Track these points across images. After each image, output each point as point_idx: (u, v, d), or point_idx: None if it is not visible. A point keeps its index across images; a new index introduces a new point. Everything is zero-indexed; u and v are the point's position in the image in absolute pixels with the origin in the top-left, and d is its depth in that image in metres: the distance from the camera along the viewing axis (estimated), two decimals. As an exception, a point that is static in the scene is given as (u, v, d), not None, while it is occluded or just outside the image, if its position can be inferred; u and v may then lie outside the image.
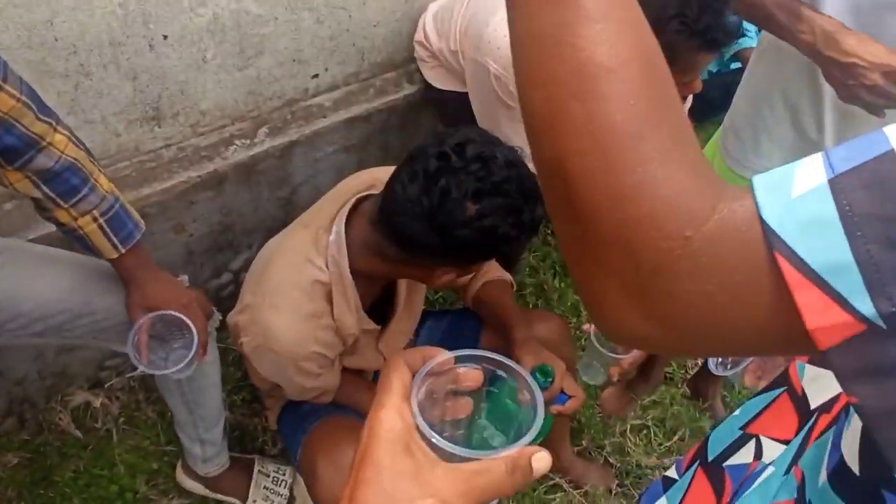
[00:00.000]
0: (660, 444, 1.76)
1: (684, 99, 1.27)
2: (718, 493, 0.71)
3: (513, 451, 0.38)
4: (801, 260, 0.28)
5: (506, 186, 0.89)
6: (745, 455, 0.69)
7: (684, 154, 0.32)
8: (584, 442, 1.72)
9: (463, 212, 0.89)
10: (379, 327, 1.16)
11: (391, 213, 0.95)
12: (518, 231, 0.91)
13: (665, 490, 0.81)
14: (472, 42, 1.27)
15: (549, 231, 2.20)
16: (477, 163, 0.89)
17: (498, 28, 1.22)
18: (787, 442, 0.64)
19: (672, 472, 0.84)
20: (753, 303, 0.30)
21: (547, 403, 1.15)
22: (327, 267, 1.04)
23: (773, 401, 0.67)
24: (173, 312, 1.03)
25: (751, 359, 0.94)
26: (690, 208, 0.30)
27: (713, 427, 0.77)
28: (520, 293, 1.99)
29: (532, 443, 0.43)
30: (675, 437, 1.77)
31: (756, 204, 0.30)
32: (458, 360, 0.43)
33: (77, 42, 1.20)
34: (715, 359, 1.03)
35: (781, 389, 0.65)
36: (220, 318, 1.19)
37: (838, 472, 0.43)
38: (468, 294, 1.36)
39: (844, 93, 1.05)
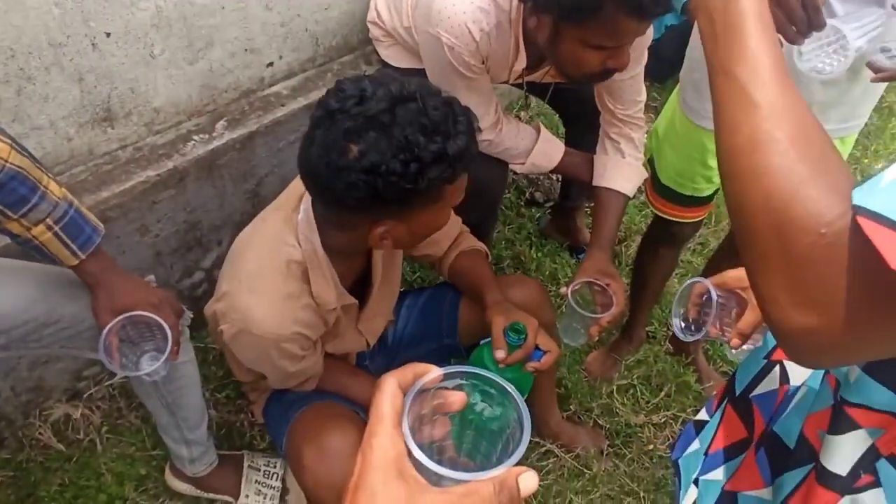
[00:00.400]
0: (647, 402, 1.78)
1: (611, 73, 1.21)
2: (748, 424, 0.73)
3: (500, 471, 0.39)
4: (876, 213, 0.38)
5: (383, 119, 0.83)
6: (770, 383, 0.71)
7: (828, 178, 0.44)
8: (572, 407, 1.73)
9: (345, 154, 0.85)
10: (357, 301, 1.15)
11: (303, 175, 0.94)
12: (418, 165, 0.84)
13: (697, 433, 0.83)
14: (424, 15, 1.25)
15: (522, 203, 2.21)
16: (353, 100, 0.85)
17: None
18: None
19: (703, 415, 0.85)
20: (860, 270, 0.40)
21: (522, 361, 1.16)
22: (300, 245, 1.03)
23: None
24: (143, 313, 1.02)
25: (709, 325, 0.95)
26: (825, 214, 0.42)
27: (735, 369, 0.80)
28: (497, 265, 1.99)
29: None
30: (662, 394, 1.80)
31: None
32: (447, 376, 0.45)
33: (14, 45, 1.16)
34: (680, 322, 1.03)
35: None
36: (192, 316, 1.17)
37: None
38: (444, 266, 1.36)
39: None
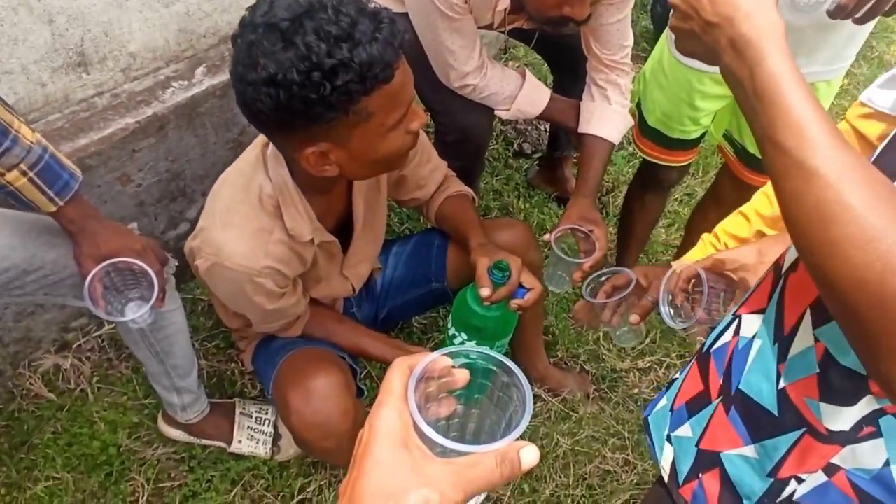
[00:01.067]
0: (632, 348, 1.81)
1: (569, 22, 1.16)
2: (705, 378, 0.73)
3: (502, 444, 0.41)
4: None
5: (283, 27, 0.79)
6: (727, 336, 0.71)
7: None
8: (559, 353, 1.76)
9: (251, 68, 0.81)
10: (336, 240, 1.15)
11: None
12: (319, 74, 0.79)
13: (668, 390, 0.83)
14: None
15: (509, 154, 2.19)
16: (261, 10, 0.82)
17: None
18: (762, 310, 0.66)
19: (677, 374, 0.86)
20: None
21: (507, 299, 1.17)
22: (270, 179, 1.03)
23: (762, 280, 0.69)
24: (127, 259, 1.01)
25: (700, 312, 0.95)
26: None
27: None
28: (486, 216, 1.99)
29: (500, 342, 0.45)
30: (647, 340, 1.83)
31: None
32: (453, 355, 0.46)
33: (-21, -17, 1.12)
34: (668, 310, 1.03)
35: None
36: (177, 264, 1.17)
37: None
38: (430, 211, 1.36)
39: None
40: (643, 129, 1.53)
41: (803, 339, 0.59)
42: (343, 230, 1.20)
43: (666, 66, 1.41)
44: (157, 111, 1.39)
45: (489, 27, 1.39)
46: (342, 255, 1.21)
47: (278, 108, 0.82)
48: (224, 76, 1.49)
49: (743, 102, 0.53)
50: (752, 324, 0.68)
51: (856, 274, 0.42)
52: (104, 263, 1.00)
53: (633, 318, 1.02)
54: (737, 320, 0.71)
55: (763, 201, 1.15)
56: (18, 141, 0.90)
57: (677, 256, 1.79)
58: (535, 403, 1.64)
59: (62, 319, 1.49)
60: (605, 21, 1.36)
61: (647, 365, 1.79)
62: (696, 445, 0.72)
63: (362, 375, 1.61)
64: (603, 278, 1.10)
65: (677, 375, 0.84)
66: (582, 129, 1.47)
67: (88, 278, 0.99)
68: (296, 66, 0.79)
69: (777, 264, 0.67)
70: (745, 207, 1.18)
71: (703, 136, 1.53)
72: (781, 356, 0.62)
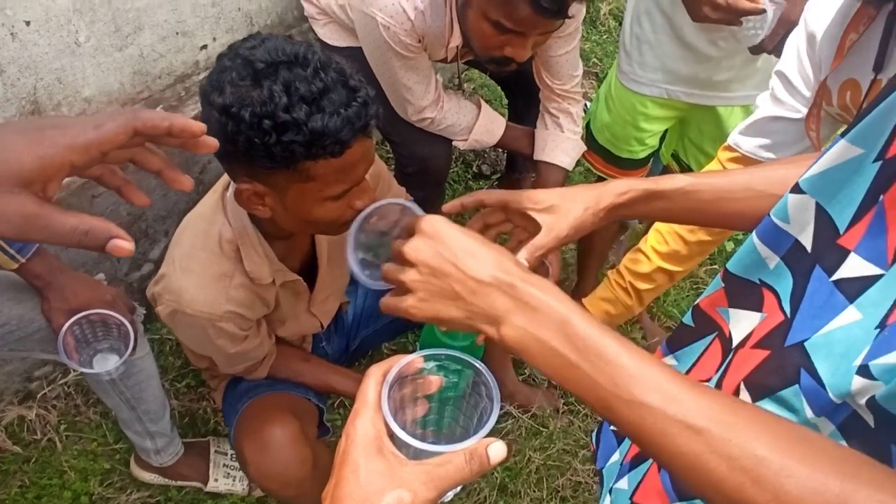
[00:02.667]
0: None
1: (511, 62, 1.20)
2: None
3: (471, 443, 0.43)
4: None
5: (258, 68, 0.80)
6: None
7: (856, 470, 0.37)
8: (527, 370, 1.81)
9: (216, 90, 0.82)
10: (301, 279, 1.16)
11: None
12: (270, 123, 0.79)
13: (619, 442, 0.81)
14: (358, -6, 1.25)
15: (469, 176, 2.24)
16: (247, 45, 0.84)
17: None
18: (707, 381, 0.67)
19: None
20: None
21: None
22: (230, 223, 1.04)
23: (707, 347, 0.69)
24: (101, 310, 1.01)
25: None
26: None
27: None
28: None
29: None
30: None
31: None
32: (426, 358, 0.49)
33: (-74, 40, 1.10)
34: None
35: (713, 335, 0.66)
36: (144, 312, 1.17)
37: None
38: None
39: (693, 12, 1.10)
40: (593, 146, 1.60)
41: None
42: (309, 268, 1.22)
43: (613, 89, 1.48)
44: (115, 155, 1.39)
45: (443, 61, 1.44)
46: (309, 293, 1.23)
47: (225, 138, 0.81)
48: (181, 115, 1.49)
49: (563, 373, 0.45)
50: None
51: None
52: (77, 316, 1.00)
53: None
54: None
55: (657, 238, 1.21)
56: None
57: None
58: (506, 421, 1.70)
59: (24, 370, 1.46)
60: (554, 53, 1.42)
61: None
62: (630, 499, 0.71)
63: (336, 404, 1.63)
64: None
65: None
66: (537, 156, 1.53)
67: (62, 332, 0.98)
68: (252, 106, 0.79)
69: (723, 336, 0.64)
70: (642, 244, 1.24)
71: (652, 154, 1.60)
72: None
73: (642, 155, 1.56)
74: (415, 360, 0.49)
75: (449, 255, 0.50)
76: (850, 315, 0.47)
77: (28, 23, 1.22)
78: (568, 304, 0.47)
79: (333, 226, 0.94)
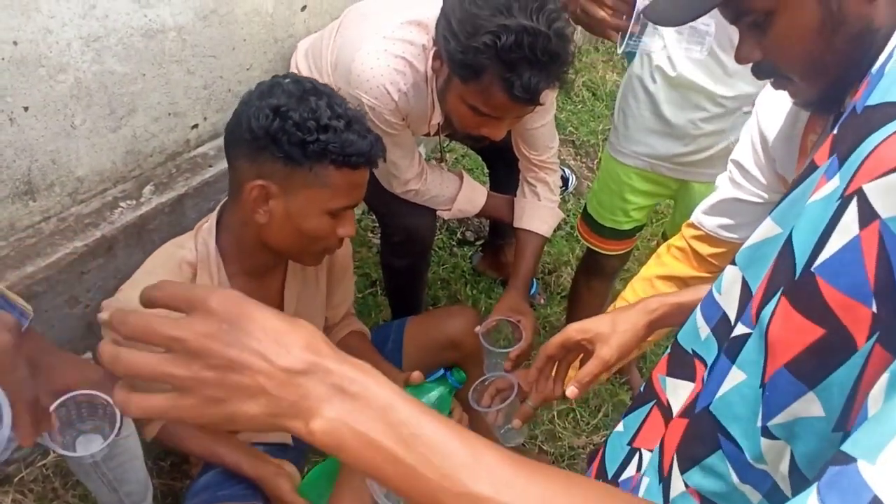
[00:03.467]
0: (587, 424, 1.87)
1: (487, 140, 1.29)
2: None
3: None
4: None
5: (306, 86, 1.03)
6: (631, 469, 0.72)
7: None
8: (525, 444, 1.79)
9: (264, 97, 1.02)
10: None
11: (227, 131, 1.09)
12: (315, 124, 0.99)
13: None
14: (343, 77, 1.32)
15: (454, 243, 2.29)
16: (290, 80, 1.06)
17: (364, 62, 1.28)
18: (651, 451, 0.68)
19: None
20: None
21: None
22: (196, 249, 1.10)
23: (648, 414, 0.71)
24: (88, 392, 0.99)
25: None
26: None
27: (607, 437, 0.80)
28: (434, 306, 2.05)
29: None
30: (601, 414, 1.89)
31: None
32: None
33: (-73, 127, 1.14)
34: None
35: (652, 403, 0.68)
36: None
37: None
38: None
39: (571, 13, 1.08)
40: (584, 215, 1.66)
41: (677, 482, 0.58)
42: None
43: (604, 160, 1.57)
44: (105, 232, 1.41)
45: (426, 135, 1.51)
46: None
47: (265, 131, 0.98)
48: (172, 193, 1.53)
49: (382, 465, 0.39)
50: (647, 461, 0.68)
51: None
52: (64, 397, 0.98)
53: (516, 423, 1.03)
54: (637, 454, 0.71)
55: (631, 291, 1.18)
56: None
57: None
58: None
59: (3, 451, 1.42)
60: (530, 126, 1.50)
61: (603, 439, 1.84)
62: (629, 444, 0.73)
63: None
64: (486, 382, 1.14)
65: None
66: (515, 223, 1.59)
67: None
68: (299, 109, 0.99)
69: (661, 405, 0.67)
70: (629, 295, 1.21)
71: (638, 228, 1.66)
72: (665, 498, 0.60)
73: (626, 227, 1.61)
74: None
75: (250, 340, 0.40)
76: (736, 376, 0.50)
77: (27, 108, 1.27)
78: (391, 387, 0.41)
79: (316, 245, 1.09)
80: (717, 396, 0.51)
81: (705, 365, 0.60)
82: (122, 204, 1.47)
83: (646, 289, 1.12)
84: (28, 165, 1.32)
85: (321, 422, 0.39)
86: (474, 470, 0.38)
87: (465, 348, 1.42)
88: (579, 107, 3.12)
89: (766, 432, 0.46)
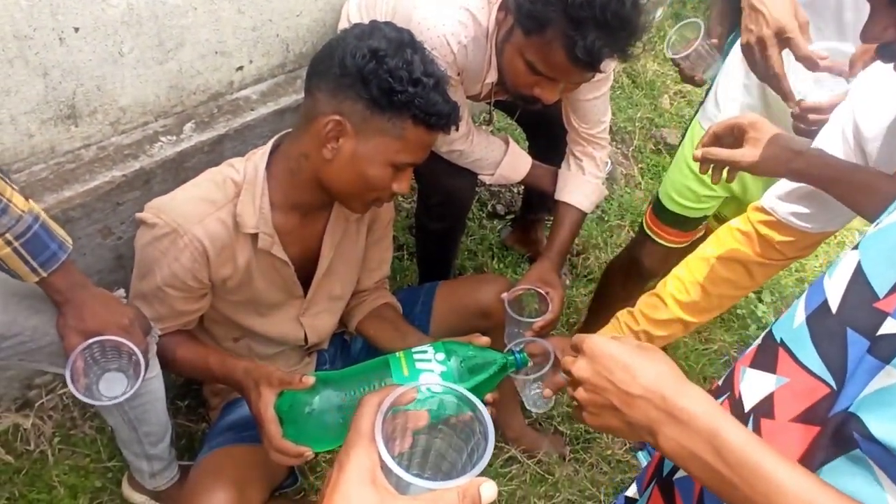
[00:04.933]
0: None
1: (538, 102, 1.23)
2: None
3: (464, 480, 0.43)
4: None
5: (405, 39, 1.03)
6: None
7: None
8: (533, 414, 1.77)
9: (365, 38, 1.01)
10: (286, 257, 1.13)
11: (314, 61, 1.07)
12: (407, 74, 0.98)
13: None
14: (403, 25, 1.28)
15: (483, 215, 2.25)
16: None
17: (427, 10, 1.24)
18: None
19: (632, 492, 0.83)
20: None
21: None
22: (246, 169, 1.10)
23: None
24: (114, 337, 0.97)
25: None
26: None
27: None
28: (460, 276, 2.02)
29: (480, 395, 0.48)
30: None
31: None
32: (419, 389, 0.49)
33: (-22, 36, 1.12)
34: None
35: (725, 396, 0.65)
36: (160, 333, 1.13)
37: None
38: (352, 321, 1.37)
39: (742, 41, 1.03)
40: (654, 199, 1.56)
41: None
42: (308, 271, 1.21)
43: (692, 127, 1.46)
44: (143, 165, 1.39)
45: (476, 97, 1.47)
46: (302, 298, 1.21)
47: (358, 70, 0.98)
48: (212, 132, 1.51)
49: (718, 484, 0.48)
50: None
51: None
52: (90, 341, 0.95)
53: (547, 392, 1.03)
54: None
55: (678, 286, 1.15)
56: (8, 210, 0.86)
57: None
58: (510, 465, 1.65)
59: (26, 376, 1.42)
60: (583, 97, 1.46)
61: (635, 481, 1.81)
62: None
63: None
64: (517, 348, 1.11)
65: (634, 494, 0.82)
66: (557, 195, 1.54)
67: (72, 357, 0.94)
68: (396, 57, 0.98)
69: (733, 398, 0.63)
70: (659, 289, 1.18)
71: (702, 220, 1.53)
72: None
73: (693, 214, 1.49)
74: (410, 390, 0.48)
75: (605, 371, 0.56)
76: (890, 376, 0.45)
77: (77, 29, 1.24)
78: (717, 415, 0.49)
79: (370, 194, 1.08)
80: (863, 395, 0.47)
81: (792, 356, 0.55)
82: (162, 138, 1.45)
83: (701, 268, 1.08)
84: (73, 89, 1.29)
85: (664, 440, 0.51)
86: (799, 498, 0.43)
87: (495, 317, 1.39)
88: (618, 93, 3.06)
89: None
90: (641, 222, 1.63)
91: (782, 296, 2.35)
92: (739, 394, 0.60)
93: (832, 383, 0.51)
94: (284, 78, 1.70)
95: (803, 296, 0.58)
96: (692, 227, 1.57)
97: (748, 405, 0.58)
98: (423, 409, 0.50)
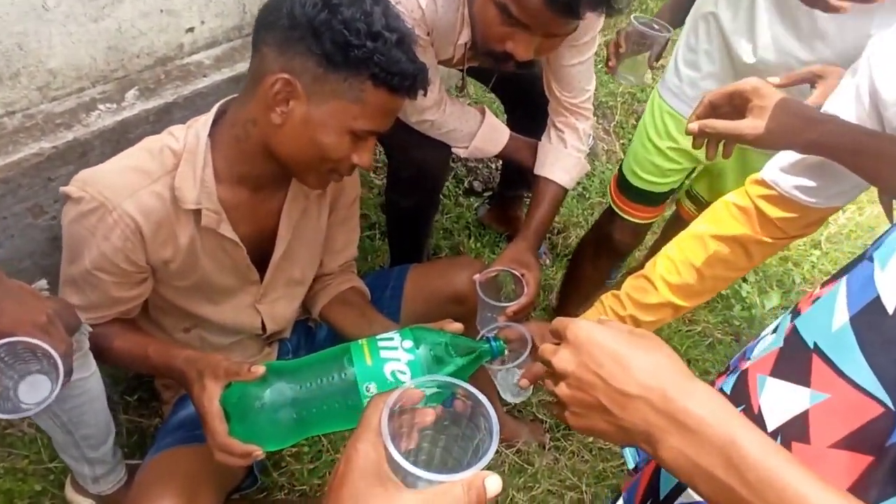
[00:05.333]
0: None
1: (510, 59, 1.12)
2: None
3: (469, 474, 0.43)
4: None
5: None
6: (689, 494, 0.60)
7: None
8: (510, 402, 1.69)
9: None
10: (235, 236, 1.01)
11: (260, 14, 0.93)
12: (366, 28, 0.86)
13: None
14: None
15: (460, 192, 2.14)
16: None
17: None
18: None
19: None
20: None
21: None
22: (186, 138, 0.96)
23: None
24: (25, 339, 0.83)
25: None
26: None
27: None
28: (436, 256, 1.92)
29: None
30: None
31: None
32: (425, 385, 0.49)
33: None
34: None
35: (740, 408, 0.57)
36: (92, 325, 1.00)
37: None
38: (315, 307, 1.25)
39: None
40: (618, 172, 1.53)
41: None
42: (264, 257, 1.09)
43: (649, 109, 1.42)
44: (78, 136, 1.25)
45: (448, 62, 1.35)
46: (258, 284, 1.10)
47: (308, 21, 0.85)
48: (158, 100, 1.36)
49: (723, 499, 0.41)
50: None
51: None
52: (2, 341, 0.82)
53: (523, 382, 0.90)
54: None
55: (669, 267, 1.06)
56: None
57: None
58: (489, 455, 1.57)
59: (-50, 371, 1.28)
60: (566, 63, 1.34)
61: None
62: None
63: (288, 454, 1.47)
64: (491, 334, 1.00)
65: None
66: (537, 170, 1.44)
67: None
68: (352, 8, 0.85)
69: (750, 412, 0.54)
70: (647, 271, 1.08)
71: (669, 195, 1.51)
72: None
73: (657, 189, 1.47)
74: (416, 390, 0.49)
75: (594, 365, 0.46)
76: None
77: (-10, -23, 1.09)
78: (731, 419, 0.41)
79: (325, 165, 0.95)
80: None
81: (832, 366, 0.45)
82: (100, 106, 1.30)
83: (694, 247, 0.98)
84: (-9, 47, 1.14)
85: (665, 451, 0.43)
86: None
87: (469, 302, 1.28)
88: (599, 66, 2.95)
89: None
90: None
91: (766, 275, 2.29)
92: (759, 408, 0.50)
93: (887, 401, 0.41)
94: (241, 42, 1.56)
95: (840, 289, 0.47)
96: (660, 202, 1.53)
97: (772, 424, 0.48)
98: (431, 405, 0.50)
